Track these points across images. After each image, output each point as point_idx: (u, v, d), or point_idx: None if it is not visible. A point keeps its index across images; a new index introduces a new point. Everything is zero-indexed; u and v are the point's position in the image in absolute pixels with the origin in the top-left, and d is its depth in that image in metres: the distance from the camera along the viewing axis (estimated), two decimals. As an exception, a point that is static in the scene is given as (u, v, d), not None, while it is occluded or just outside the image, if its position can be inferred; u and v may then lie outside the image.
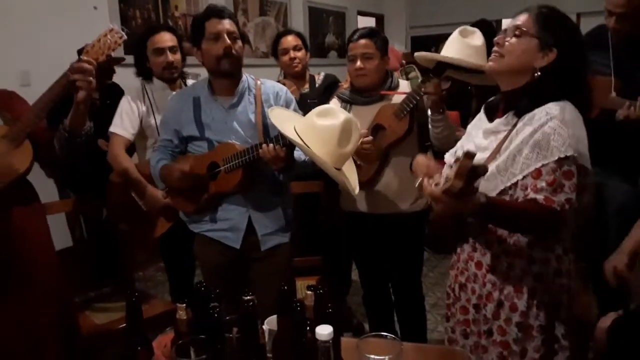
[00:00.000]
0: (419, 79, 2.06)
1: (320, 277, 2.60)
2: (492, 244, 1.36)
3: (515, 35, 1.33)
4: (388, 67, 2.22)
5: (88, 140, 1.71)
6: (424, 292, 2.45)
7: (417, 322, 2.42)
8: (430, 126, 2.09)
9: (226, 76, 1.84)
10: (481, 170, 1.12)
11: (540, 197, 1.22)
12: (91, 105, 3.10)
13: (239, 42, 1.83)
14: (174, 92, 2.39)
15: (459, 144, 1.54)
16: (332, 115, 1.61)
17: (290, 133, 1.60)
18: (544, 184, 1.23)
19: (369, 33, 2.16)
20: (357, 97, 2.23)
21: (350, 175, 1.73)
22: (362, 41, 2.13)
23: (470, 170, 1.07)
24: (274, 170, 1.76)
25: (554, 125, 1.23)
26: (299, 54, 2.71)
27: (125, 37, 1.65)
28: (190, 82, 2.50)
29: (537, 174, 1.24)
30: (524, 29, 1.31)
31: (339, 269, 2.91)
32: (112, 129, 2.39)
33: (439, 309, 3.05)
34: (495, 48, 1.37)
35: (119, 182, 2.41)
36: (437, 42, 6.31)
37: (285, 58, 2.70)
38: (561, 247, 1.34)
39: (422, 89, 1.99)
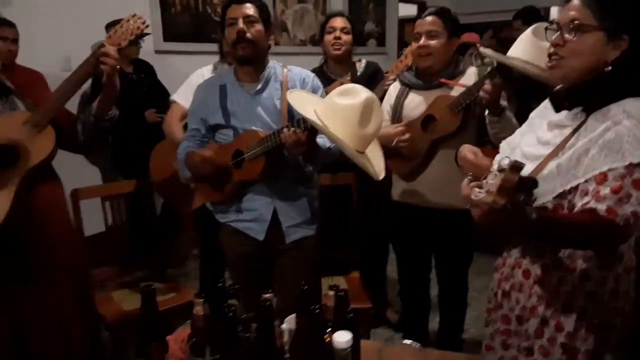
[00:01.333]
0: (489, 68, 1.92)
1: (358, 271, 2.57)
2: (544, 252, 1.22)
3: (574, 31, 1.14)
4: (452, 51, 2.08)
5: (112, 125, 1.71)
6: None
7: (458, 317, 2.38)
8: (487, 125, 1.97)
9: (242, 62, 1.81)
10: (530, 184, 0.99)
11: (602, 207, 1.06)
12: (127, 80, 3.19)
13: (257, 26, 1.77)
14: None
15: (517, 132, 1.39)
16: (354, 94, 1.53)
17: (309, 114, 1.53)
18: (607, 191, 1.06)
19: (438, 11, 2.05)
20: (416, 81, 2.14)
21: (375, 159, 1.64)
22: (429, 18, 2.03)
23: (516, 186, 0.93)
24: (297, 156, 1.70)
25: (630, 124, 1.06)
26: (345, 37, 2.61)
27: (148, 23, 1.65)
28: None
29: (602, 178, 1.08)
30: (583, 22, 1.12)
31: (373, 263, 2.86)
32: (173, 96, 2.50)
33: (472, 310, 2.94)
34: (552, 50, 1.19)
35: (164, 150, 2.47)
36: (482, 29, 6.12)
37: (330, 37, 2.62)
38: (622, 265, 1.17)
39: (481, 87, 1.85)
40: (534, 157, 1.22)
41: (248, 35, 1.75)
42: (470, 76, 2.06)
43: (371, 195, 2.55)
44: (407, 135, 2.03)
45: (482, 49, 1.92)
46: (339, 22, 2.63)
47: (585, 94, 1.16)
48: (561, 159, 1.14)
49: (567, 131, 1.18)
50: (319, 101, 1.66)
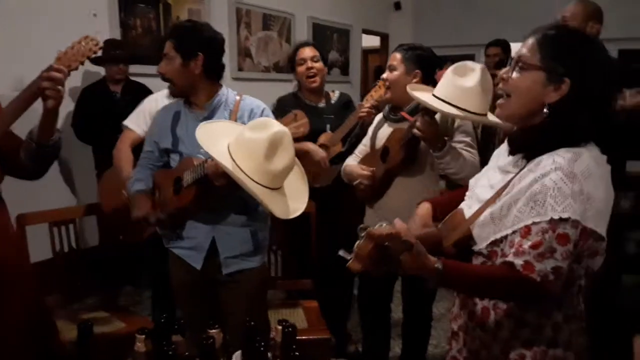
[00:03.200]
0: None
1: (316, 301, 2.52)
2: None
3: (518, 68, 1.12)
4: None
5: (56, 150, 1.63)
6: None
7: (421, 342, 2.40)
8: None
9: (175, 96, 1.87)
10: (398, 247, 0.98)
11: (519, 261, 1.03)
12: (109, 98, 3.08)
13: (171, 63, 1.77)
14: None
15: (484, 169, 1.36)
16: (263, 128, 1.50)
17: (214, 149, 1.51)
18: (527, 246, 1.03)
19: (404, 46, 2.16)
20: (389, 113, 2.22)
21: (293, 197, 1.59)
22: (394, 53, 2.14)
23: (375, 252, 0.96)
24: (223, 187, 1.63)
25: (556, 178, 1.03)
26: (317, 65, 2.64)
27: (101, 45, 1.60)
28: None
29: (525, 231, 1.05)
30: (526, 60, 1.11)
31: (338, 291, 2.83)
32: (125, 122, 2.45)
33: (444, 323, 2.94)
34: (500, 86, 1.17)
35: (112, 177, 2.43)
36: (442, 62, 6.29)
37: (302, 68, 2.63)
38: (562, 314, 1.13)
39: (413, 126, 1.90)
40: (481, 200, 1.21)
41: (163, 73, 1.78)
42: None
43: (342, 223, 2.53)
44: (369, 181, 2.14)
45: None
46: (307, 52, 2.66)
47: (523, 140, 1.16)
48: (495, 207, 1.13)
49: (509, 177, 1.16)
50: (235, 133, 1.60)
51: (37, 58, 3.17)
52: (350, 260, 0.99)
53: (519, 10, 5.56)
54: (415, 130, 1.90)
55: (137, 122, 2.40)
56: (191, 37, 1.75)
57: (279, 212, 1.52)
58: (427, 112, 1.88)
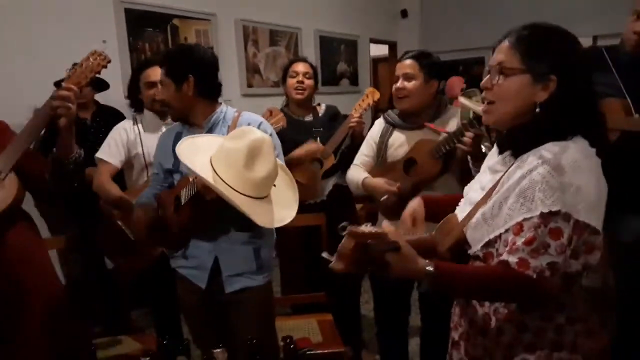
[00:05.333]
0: (470, 113, 1.92)
1: (330, 314, 2.51)
2: (484, 302, 1.18)
3: (500, 75, 1.11)
4: (431, 93, 2.09)
5: (78, 167, 1.69)
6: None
7: (442, 345, 2.32)
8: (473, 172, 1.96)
9: (193, 125, 1.86)
10: (381, 246, 0.99)
11: (513, 259, 1.02)
12: (80, 127, 3.16)
13: (166, 88, 1.80)
14: (164, 123, 2.42)
15: (477, 175, 1.35)
16: (242, 136, 1.51)
17: (202, 160, 1.52)
18: (521, 243, 1.02)
19: (416, 54, 2.11)
20: (400, 121, 2.17)
21: (280, 206, 1.57)
22: (407, 61, 2.09)
23: (357, 251, 0.97)
24: (214, 201, 1.61)
25: (543, 171, 1.02)
26: (308, 81, 2.69)
27: (109, 59, 1.65)
28: None
29: (518, 229, 1.04)
30: (508, 65, 1.10)
31: (347, 304, 2.81)
32: (98, 154, 2.42)
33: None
34: (484, 94, 1.16)
35: (106, 213, 2.39)
36: (452, 67, 6.26)
37: (293, 81, 2.69)
38: (564, 315, 1.11)
39: (460, 136, 1.85)
40: (472, 202, 1.20)
41: (160, 99, 1.82)
42: (454, 117, 2.09)
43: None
44: (395, 198, 2.02)
45: (460, 99, 1.92)
46: (301, 67, 2.71)
47: (511, 138, 1.15)
48: (486, 207, 1.12)
49: (498, 176, 1.15)
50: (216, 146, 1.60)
51: (48, 86, 3.28)
52: (333, 261, 1.00)
53: (526, 12, 5.53)
54: (462, 146, 1.84)
55: (110, 152, 2.38)
56: (180, 61, 1.78)
57: (262, 222, 1.50)
58: (472, 125, 1.85)
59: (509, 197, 1.07)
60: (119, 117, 3.09)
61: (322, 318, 2.51)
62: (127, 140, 2.41)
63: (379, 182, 2.13)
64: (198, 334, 1.89)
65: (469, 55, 6.38)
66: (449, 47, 6.50)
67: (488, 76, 1.15)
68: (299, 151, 2.56)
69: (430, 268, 1.02)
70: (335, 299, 2.64)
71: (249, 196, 1.48)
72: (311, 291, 2.56)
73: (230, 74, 4.59)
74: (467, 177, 1.94)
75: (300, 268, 2.62)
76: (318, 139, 2.63)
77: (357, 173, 2.28)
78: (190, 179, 1.69)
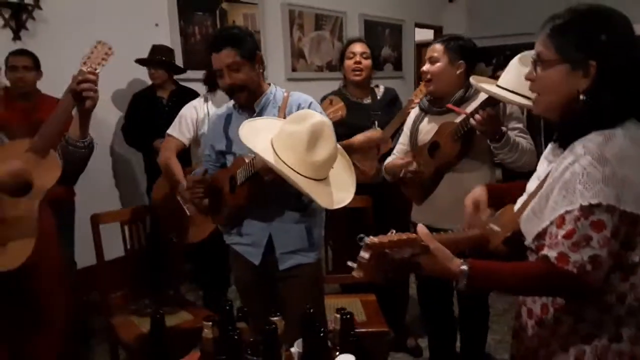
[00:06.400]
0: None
1: (374, 295, 2.54)
2: None
3: (540, 66, 1.10)
4: (458, 75, 2.07)
5: (89, 152, 1.72)
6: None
7: (479, 340, 2.35)
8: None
9: (244, 107, 1.87)
10: (401, 253, 1.01)
11: (553, 254, 1.00)
12: (156, 105, 3.24)
13: (242, 71, 1.75)
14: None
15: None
16: (303, 119, 1.51)
17: (258, 145, 1.53)
18: (560, 236, 1.00)
19: (443, 38, 2.12)
20: (430, 106, 2.18)
21: (338, 188, 1.59)
22: (433, 45, 2.10)
23: (375, 261, 1.00)
24: (273, 181, 1.63)
25: (585, 163, 1.00)
26: (365, 62, 2.68)
27: (114, 51, 1.70)
28: None
29: (560, 221, 1.01)
30: (545, 57, 1.09)
31: (396, 283, 2.84)
32: (169, 130, 2.55)
33: (493, 333, 2.89)
34: (529, 86, 1.16)
35: (164, 189, 2.50)
36: (499, 52, 6.09)
37: (351, 62, 2.68)
38: (624, 307, 1.07)
39: (470, 118, 1.88)
40: (528, 192, 1.19)
41: (238, 84, 1.76)
42: (480, 100, 2.07)
43: (390, 217, 2.55)
44: (413, 166, 2.05)
45: (472, 80, 1.92)
46: (358, 48, 2.70)
47: (559, 127, 1.13)
48: (535, 198, 1.11)
49: (551, 167, 1.13)
50: (277, 128, 1.61)
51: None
52: (354, 269, 1.03)
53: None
54: (475, 124, 1.87)
55: (180, 129, 2.50)
56: (246, 40, 1.79)
57: (324, 203, 1.53)
58: (489, 104, 1.86)
59: (555, 188, 1.05)
60: (195, 96, 3.21)
61: (365, 298, 2.54)
62: (196, 119, 2.51)
63: (394, 161, 2.19)
64: (249, 308, 1.94)
65: (518, 40, 6.16)
66: (497, 32, 6.34)
67: (531, 68, 1.15)
68: (361, 137, 2.55)
69: (464, 267, 1.03)
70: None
71: (309, 178, 1.51)
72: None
73: (276, 57, 4.64)
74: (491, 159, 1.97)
75: (348, 248, 2.65)
76: (376, 122, 2.61)
77: (387, 161, 2.30)
78: (247, 160, 1.72)
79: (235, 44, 1.74)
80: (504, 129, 1.93)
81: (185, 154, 2.62)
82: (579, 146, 1.04)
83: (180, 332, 2.26)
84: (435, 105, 2.16)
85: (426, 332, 2.51)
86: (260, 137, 1.56)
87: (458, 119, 1.99)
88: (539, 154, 1.36)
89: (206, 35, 4.08)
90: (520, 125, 2.04)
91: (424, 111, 2.20)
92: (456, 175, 2.05)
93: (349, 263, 1.08)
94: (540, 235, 1.09)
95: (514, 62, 1.81)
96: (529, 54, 1.76)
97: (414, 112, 2.27)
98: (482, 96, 2.04)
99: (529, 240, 1.15)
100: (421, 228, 1.07)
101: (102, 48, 1.70)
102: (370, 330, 2.27)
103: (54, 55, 3.03)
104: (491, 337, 2.76)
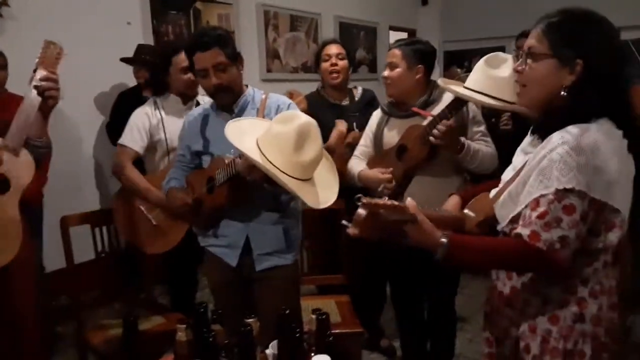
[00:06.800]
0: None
1: (348, 296, 2.54)
2: (512, 275, 1.24)
3: (529, 59, 1.17)
4: (417, 79, 2.09)
5: (48, 151, 1.73)
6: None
7: (447, 343, 2.38)
8: None
9: (222, 108, 1.87)
10: (392, 216, 1.08)
11: (525, 231, 1.09)
12: (140, 104, 3.08)
13: (229, 70, 1.76)
14: (185, 108, 2.45)
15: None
16: (290, 120, 1.53)
17: (244, 144, 1.54)
18: (534, 217, 1.08)
19: (400, 43, 2.13)
20: (393, 109, 2.20)
21: (323, 187, 1.61)
22: (391, 51, 2.12)
23: (369, 219, 1.08)
24: (257, 181, 1.64)
25: (562, 151, 1.07)
26: (341, 62, 2.67)
27: (66, 52, 1.69)
28: (202, 98, 2.51)
29: (534, 204, 1.10)
30: (536, 50, 1.15)
31: (371, 285, 2.86)
32: (120, 140, 2.41)
33: (464, 332, 2.94)
34: (516, 78, 1.23)
35: (124, 199, 2.42)
36: (471, 56, 6.19)
37: (327, 65, 2.67)
38: (587, 289, 1.16)
39: (435, 128, 1.90)
40: (504, 181, 1.26)
41: (224, 84, 1.76)
42: (446, 103, 2.08)
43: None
44: (393, 184, 2.06)
45: (440, 82, 1.95)
46: (334, 49, 2.70)
47: (540, 120, 1.20)
48: (512, 185, 1.18)
49: (527, 158, 1.20)
50: (261, 129, 1.62)
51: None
52: (350, 227, 1.11)
53: (548, 3, 5.45)
54: (432, 139, 1.89)
55: (132, 138, 2.37)
56: (231, 41, 1.80)
57: (311, 202, 1.54)
58: (455, 107, 1.89)
59: (531, 175, 1.12)
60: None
61: (339, 299, 2.54)
62: (149, 126, 2.39)
63: (373, 172, 2.15)
64: (228, 309, 1.93)
65: (489, 44, 6.30)
66: (469, 35, 6.45)
67: (520, 60, 1.21)
68: (333, 138, 2.53)
69: (444, 240, 1.09)
70: (359, 282, 2.67)
71: (296, 178, 1.51)
72: (333, 273, 2.60)
73: (250, 58, 4.61)
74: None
75: (324, 250, 2.65)
76: (354, 124, 2.61)
77: (355, 165, 2.28)
78: (226, 161, 1.72)
79: (222, 44, 1.74)
80: (462, 139, 1.96)
81: (139, 163, 2.50)
82: (557, 136, 1.10)
83: (152, 336, 2.21)
84: (398, 109, 2.18)
85: (399, 333, 2.53)
86: (246, 137, 1.56)
87: (425, 122, 2.01)
88: None
89: (180, 35, 4.04)
90: (481, 128, 2.09)
91: (388, 114, 2.22)
92: (425, 177, 2.07)
93: (344, 222, 1.15)
94: (514, 219, 1.16)
95: (480, 63, 1.85)
96: (495, 56, 1.83)
97: (377, 115, 2.28)
98: (447, 98, 2.07)
99: (503, 224, 1.21)
100: (410, 201, 1.13)
101: (54, 48, 1.68)
102: (345, 331, 2.28)
103: (21, 53, 2.94)
104: (462, 337, 2.81)
